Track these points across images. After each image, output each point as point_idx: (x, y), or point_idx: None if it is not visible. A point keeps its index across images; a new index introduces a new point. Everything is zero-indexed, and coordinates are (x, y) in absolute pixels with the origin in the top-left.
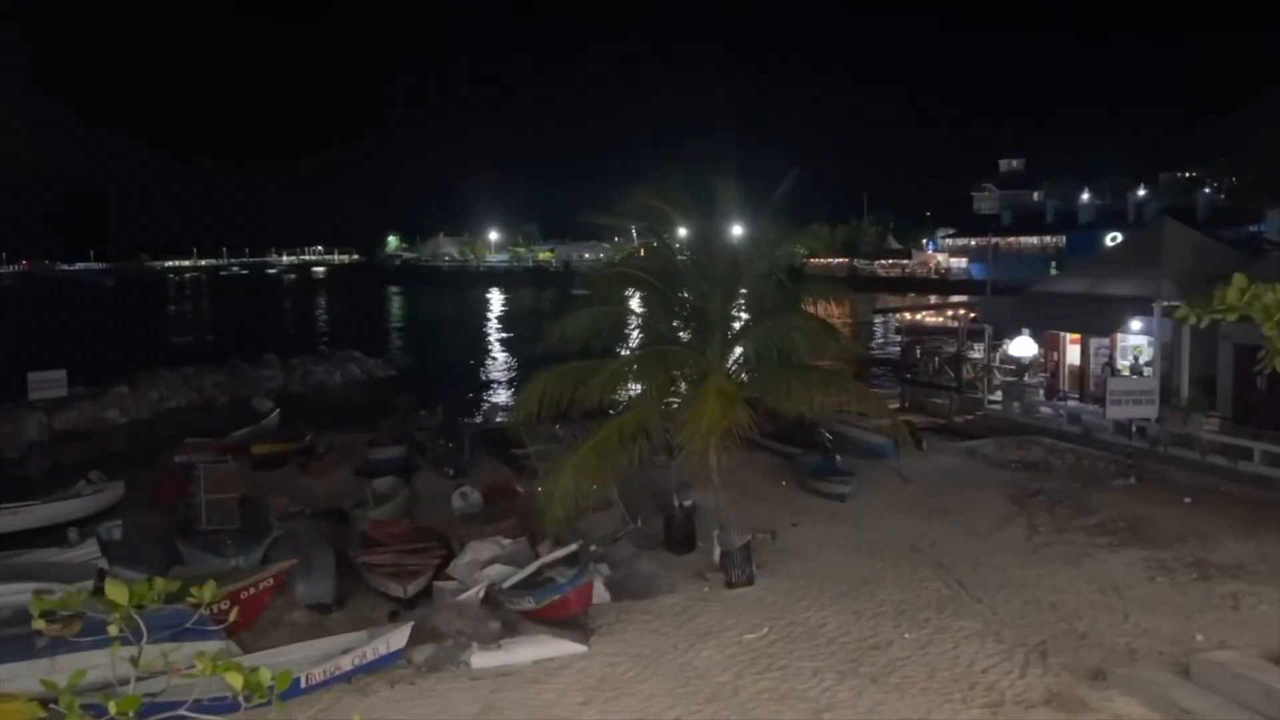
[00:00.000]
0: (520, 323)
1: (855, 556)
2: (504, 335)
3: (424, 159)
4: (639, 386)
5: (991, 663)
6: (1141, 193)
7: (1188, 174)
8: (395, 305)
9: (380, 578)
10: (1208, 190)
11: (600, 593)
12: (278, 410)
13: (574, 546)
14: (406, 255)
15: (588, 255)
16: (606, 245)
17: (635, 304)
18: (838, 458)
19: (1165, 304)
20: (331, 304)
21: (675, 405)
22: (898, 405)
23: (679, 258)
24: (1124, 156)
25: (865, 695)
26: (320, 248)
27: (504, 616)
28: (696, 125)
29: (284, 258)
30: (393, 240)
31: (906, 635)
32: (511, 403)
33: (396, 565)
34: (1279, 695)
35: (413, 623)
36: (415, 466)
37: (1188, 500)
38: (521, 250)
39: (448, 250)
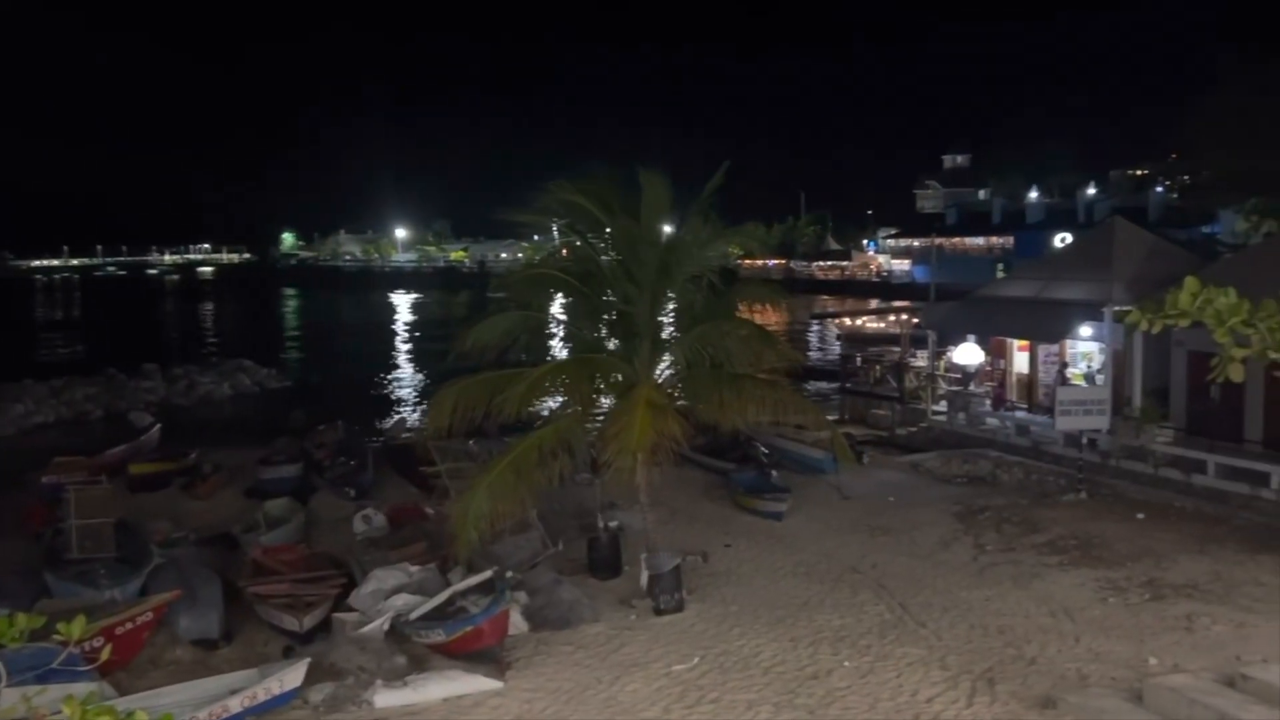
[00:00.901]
0: (430, 328)
1: (792, 579)
2: (412, 342)
3: (323, 149)
4: (560, 398)
5: (936, 692)
6: (1092, 191)
7: (1139, 172)
8: (291, 309)
9: (273, 610)
10: (1160, 189)
11: (517, 623)
12: (158, 425)
13: (489, 573)
14: (304, 254)
15: (505, 255)
16: (525, 244)
17: (557, 308)
18: (774, 473)
19: (1116, 309)
20: (220, 308)
21: (600, 418)
22: (837, 417)
23: (603, 258)
24: (1074, 153)
25: None
26: (207, 246)
27: (411, 650)
28: (623, 120)
29: (166, 257)
30: (288, 238)
31: (846, 663)
32: (420, 417)
33: (291, 596)
34: None
35: (309, 659)
36: (312, 487)
37: (1140, 516)
38: (432, 249)
39: (349, 249)
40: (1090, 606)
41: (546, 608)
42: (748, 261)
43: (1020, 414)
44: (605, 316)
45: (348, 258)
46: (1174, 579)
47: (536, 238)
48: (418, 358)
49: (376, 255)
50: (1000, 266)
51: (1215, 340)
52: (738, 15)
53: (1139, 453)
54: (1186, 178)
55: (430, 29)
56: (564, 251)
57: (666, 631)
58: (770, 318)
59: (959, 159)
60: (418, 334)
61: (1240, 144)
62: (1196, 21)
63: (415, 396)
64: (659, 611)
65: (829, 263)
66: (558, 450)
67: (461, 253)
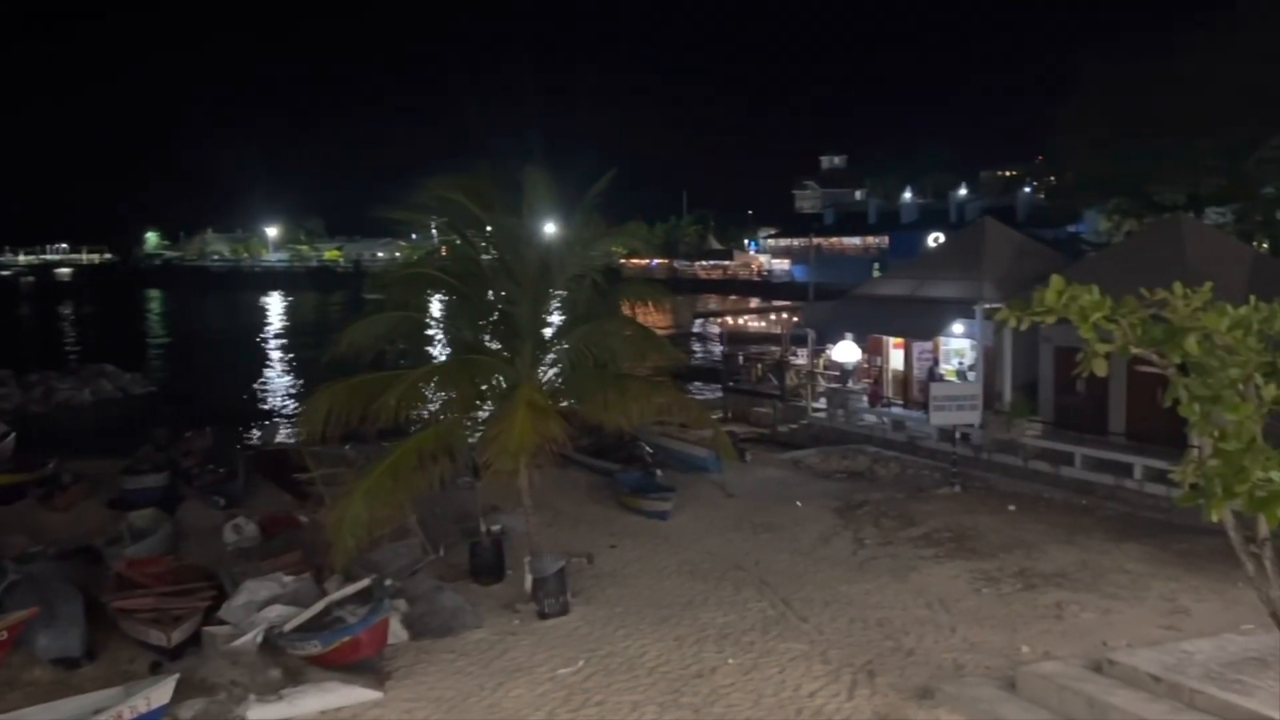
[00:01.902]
0: (303, 330)
1: (677, 578)
2: (284, 344)
3: (189, 145)
4: (441, 400)
5: (818, 685)
6: (963, 192)
7: (1008, 173)
8: (156, 311)
9: (139, 625)
10: (1028, 190)
11: (397, 631)
12: (13, 434)
13: (366, 581)
14: (169, 254)
15: (381, 254)
16: (403, 243)
17: (436, 308)
18: (658, 473)
19: (987, 306)
20: (79, 310)
21: (481, 420)
22: (720, 415)
23: (484, 257)
24: (946, 155)
25: None
26: (65, 245)
27: (286, 663)
28: (504, 118)
29: (20, 257)
30: (152, 237)
31: (731, 660)
32: (293, 422)
33: (158, 610)
34: (1102, 705)
35: (178, 675)
36: (180, 496)
37: (1012, 508)
38: (304, 248)
39: (217, 248)
40: (965, 597)
41: (427, 615)
42: (631, 261)
43: (896, 410)
44: (486, 317)
45: (215, 257)
46: (1044, 568)
47: (414, 236)
48: (290, 361)
49: (246, 255)
50: (876, 266)
51: (1080, 336)
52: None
53: (1010, 446)
54: (1052, 179)
55: (301, 18)
56: (443, 250)
57: (551, 635)
58: (654, 317)
59: (836, 160)
60: (290, 336)
61: (1101, 147)
62: (1062, 27)
63: (288, 401)
64: (543, 615)
65: (711, 262)
66: (438, 454)
67: (335, 252)
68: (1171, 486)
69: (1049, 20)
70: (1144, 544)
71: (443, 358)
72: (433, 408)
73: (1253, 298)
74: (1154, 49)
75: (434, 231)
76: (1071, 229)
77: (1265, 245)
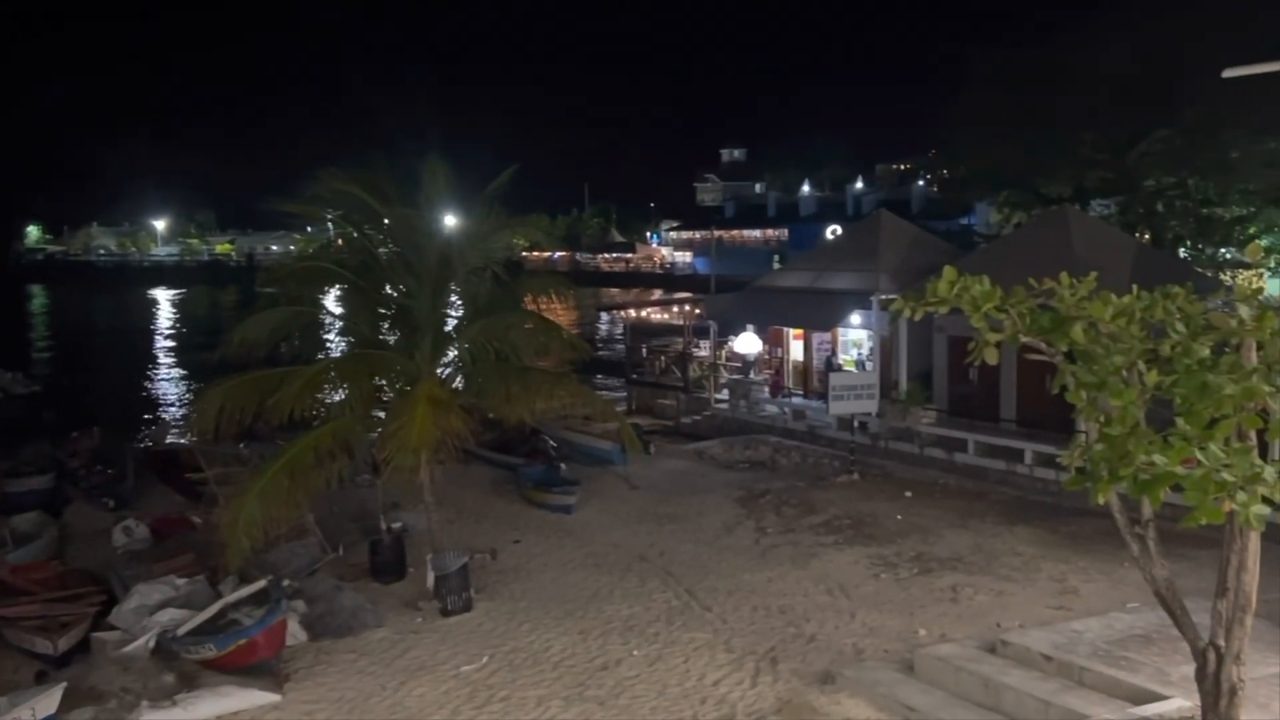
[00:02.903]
0: (195, 325)
1: (582, 572)
2: (175, 341)
3: (72, 135)
4: (338, 396)
5: (722, 674)
6: (860, 185)
7: (903, 166)
8: (39, 308)
9: (23, 633)
10: (921, 183)
11: (295, 632)
12: None
13: (263, 582)
14: (51, 249)
15: (275, 247)
16: (297, 236)
17: (332, 303)
18: (562, 466)
19: (883, 297)
20: None
21: (381, 416)
22: (624, 408)
23: (381, 250)
24: (843, 148)
25: None
26: None
27: (180, 668)
28: (403, 111)
29: None
30: (33, 231)
31: (635, 652)
32: (185, 420)
33: (44, 617)
34: (996, 685)
35: (65, 683)
36: (66, 499)
37: (908, 494)
38: (195, 242)
39: (103, 242)
40: (864, 583)
41: (327, 615)
42: (533, 253)
43: (797, 400)
44: (384, 311)
45: (101, 252)
46: (940, 553)
47: (310, 229)
48: (181, 357)
49: (134, 249)
50: (776, 258)
51: (972, 325)
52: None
53: (906, 434)
54: (945, 172)
55: (192, 7)
56: (339, 243)
57: (454, 632)
58: (557, 310)
59: (736, 153)
60: (181, 332)
61: (990, 141)
62: (955, 22)
63: (179, 399)
64: (446, 612)
65: (614, 254)
66: (335, 451)
67: (227, 245)
68: (1060, 471)
69: (943, 15)
70: (1035, 527)
71: (340, 353)
72: (330, 404)
73: (1135, 287)
74: (1041, 44)
75: (330, 225)
76: (964, 221)
77: (1147, 236)
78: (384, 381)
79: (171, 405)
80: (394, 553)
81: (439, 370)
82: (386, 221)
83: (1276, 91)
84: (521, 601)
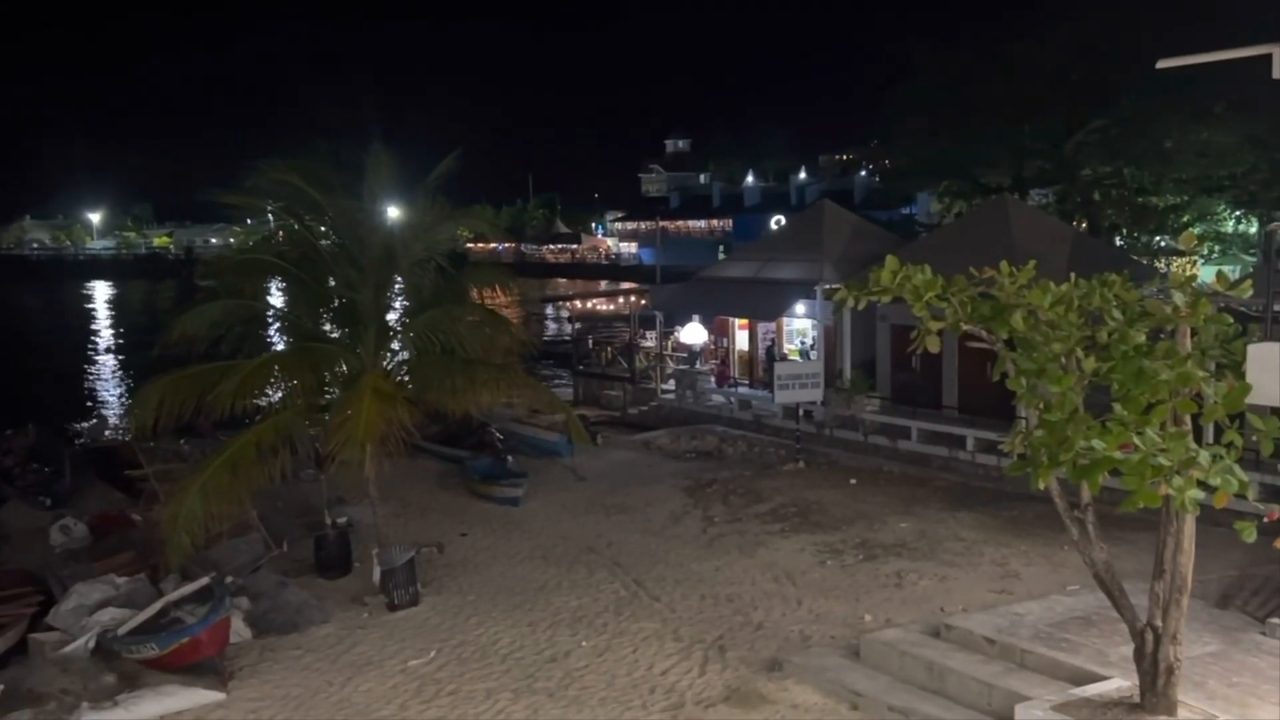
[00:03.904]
0: (133, 320)
1: (530, 564)
2: (112, 335)
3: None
4: (281, 391)
5: (671, 663)
6: (803, 176)
7: (845, 156)
8: None
9: None
10: (864, 173)
11: (240, 630)
12: None
13: (205, 580)
14: None
15: (215, 240)
16: (237, 228)
17: (274, 296)
18: (509, 459)
19: (826, 287)
20: None
21: (325, 410)
22: (571, 399)
23: (324, 242)
24: (786, 138)
25: (542, 712)
26: None
27: (121, 668)
28: (346, 102)
29: None
30: None
31: (584, 643)
32: (124, 416)
33: None
34: (940, 668)
35: (2, 686)
36: (1, 498)
37: (853, 481)
38: (132, 235)
39: (36, 236)
40: (810, 570)
41: (271, 612)
42: (477, 245)
43: (743, 390)
44: (327, 304)
45: (35, 246)
46: (884, 539)
47: (250, 221)
48: (120, 352)
49: (69, 242)
50: (721, 248)
51: (914, 314)
52: None
53: (851, 422)
54: (886, 162)
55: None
56: (280, 235)
57: (401, 627)
58: (502, 301)
59: (680, 144)
60: (119, 327)
61: (931, 131)
62: (896, 13)
63: (118, 395)
64: (393, 607)
65: (559, 245)
66: (278, 446)
67: (166, 238)
68: (1001, 457)
69: (884, 6)
70: (977, 512)
71: (282, 347)
72: (272, 398)
73: (1073, 275)
74: (980, 35)
75: (270, 217)
76: (905, 211)
77: (1084, 225)
78: (327, 375)
79: (109, 401)
80: (339, 548)
81: (383, 363)
82: (329, 212)
83: (1209, 82)
84: (469, 595)
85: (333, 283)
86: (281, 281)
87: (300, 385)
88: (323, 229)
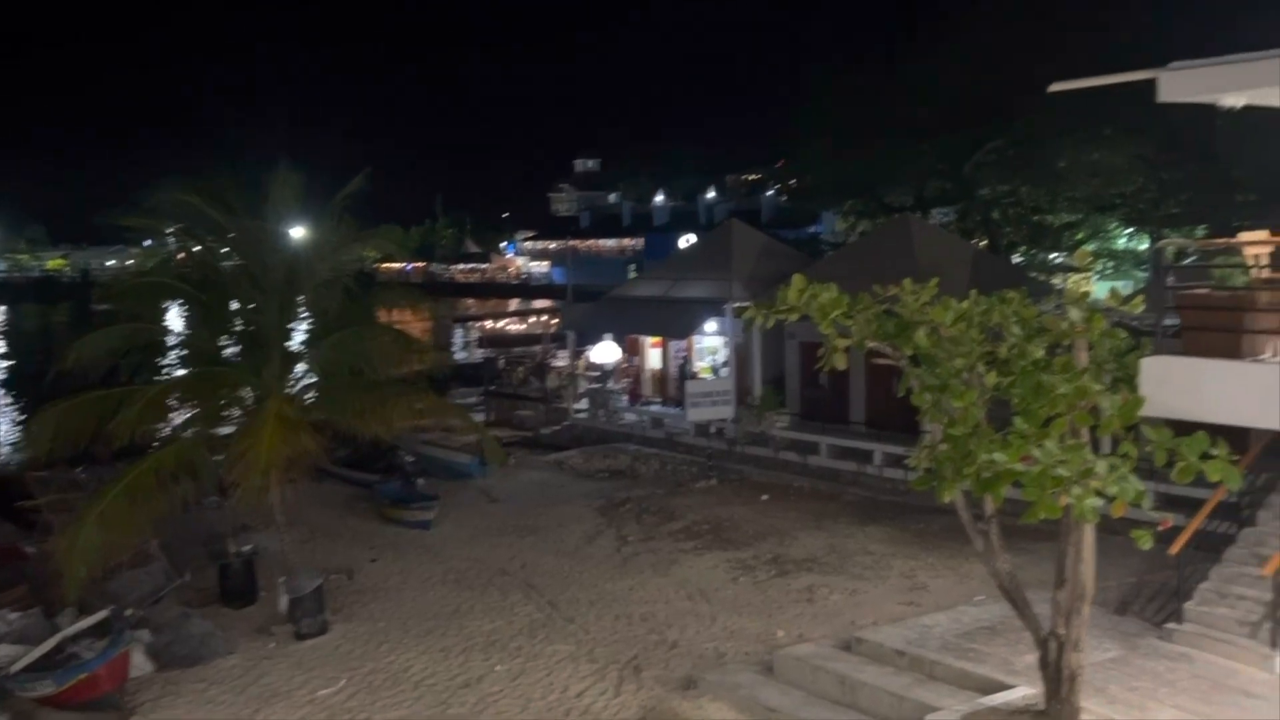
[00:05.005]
0: (25, 344)
1: (442, 588)
2: (3, 361)
3: None
4: (182, 416)
5: (586, 685)
6: (711, 195)
7: (753, 176)
8: None
9: None
10: (770, 193)
11: (140, 664)
12: None
13: (104, 613)
14: None
15: (113, 262)
16: (135, 251)
17: (174, 319)
18: (420, 481)
19: (736, 305)
20: None
21: (227, 436)
22: (483, 419)
23: (226, 264)
24: (695, 157)
25: None
26: None
27: (15, 706)
28: (248, 120)
29: None
30: None
31: (498, 667)
32: (15, 445)
33: None
34: (852, 682)
35: None
36: None
37: (765, 497)
38: (24, 257)
39: None
40: (724, 587)
41: (174, 644)
42: (386, 265)
43: (655, 408)
44: (229, 327)
45: None
46: (796, 554)
47: (148, 243)
48: (11, 379)
49: None
50: (632, 267)
51: (821, 332)
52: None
53: (761, 438)
54: (793, 182)
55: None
56: (180, 257)
57: (310, 656)
58: (412, 322)
59: (590, 163)
60: (10, 352)
61: (835, 151)
62: (801, 34)
63: (9, 423)
64: (301, 636)
65: (469, 265)
66: (179, 473)
67: (60, 261)
68: (908, 471)
69: (790, 29)
70: (885, 526)
71: (183, 371)
72: (173, 425)
73: (974, 292)
74: (881, 58)
75: (170, 238)
76: (811, 230)
77: (984, 242)
78: (230, 400)
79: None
80: (244, 576)
81: (289, 387)
82: (231, 233)
83: (1100, 106)
84: (380, 621)
85: (235, 305)
86: (182, 305)
87: (202, 411)
88: (225, 250)
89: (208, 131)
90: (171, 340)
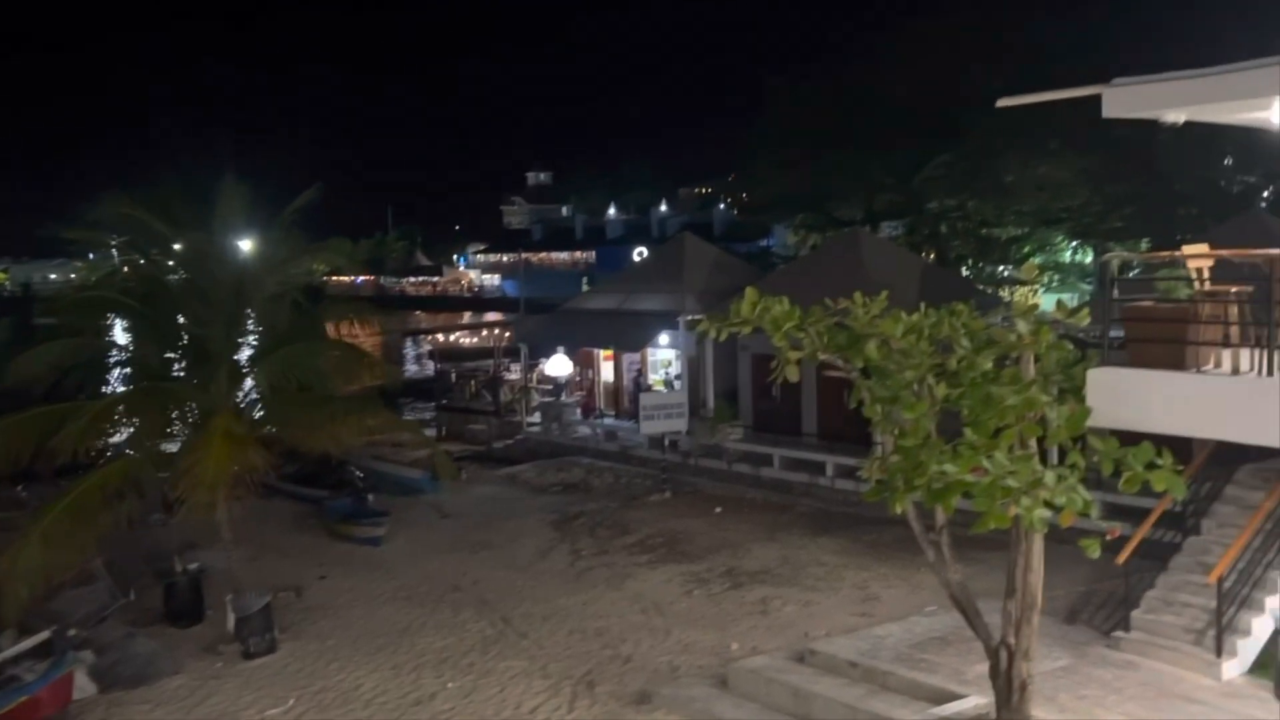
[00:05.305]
0: None
1: (393, 605)
2: None
3: None
4: (127, 433)
5: (539, 701)
6: (664, 208)
7: (705, 190)
8: None
9: None
10: (722, 206)
11: (84, 685)
12: None
13: (46, 634)
14: None
15: (55, 276)
16: (79, 264)
17: (119, 334)
18: (370, 497)
19: (689, 318)
20: None
21: (174, 452)
22: (435, 434)
23: (172, 277)
24: (647, 171)
25: None
26: None
27: None
28: (196, 132)
29: None
30: None
31: (450, 685)
32: None
33: None
34: (806, 693)
35: None
36: None
37: (718, 510)
38: None
39: None
40: (678, 600)
41: (119, 665)
42: (335, 278)
43: (609, 421)
44: (175, 341)
45: None
46: (749, 566)
47: (92, 256)
48: None
49: None
50: (585, 280)
51: (773, 344)
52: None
53: (715, 451)
54: (745, 195)
55: None
56: (125, 270)
57: (258, 675)
58: (361, 336)
59: (542, 176)
60: None
61: (786, 166)
62: (753, 50)
63: None
64: (249, 655)
65: (420, 278)
66: (124, 490)
67: (1, 274)
68: (860, 482)
69: (742, 42)
70: (838, 537)
71: (128, 387)
72: (117, 441)
73: (923, 305)
74: (831, 74)
75: (115, 251)
76: (763, 243)
77: (933, 256)
78: (176, 416)
79: None
80: (191, 595)
81: (237, 402)
82: (177, 246)
83: (1046, 120)
84: (329, 639)
85: (182, 320)
86: (127, 319)
87: (147, 427)
88: (171, 263)
89: (153, 143)
90: (116, 355)
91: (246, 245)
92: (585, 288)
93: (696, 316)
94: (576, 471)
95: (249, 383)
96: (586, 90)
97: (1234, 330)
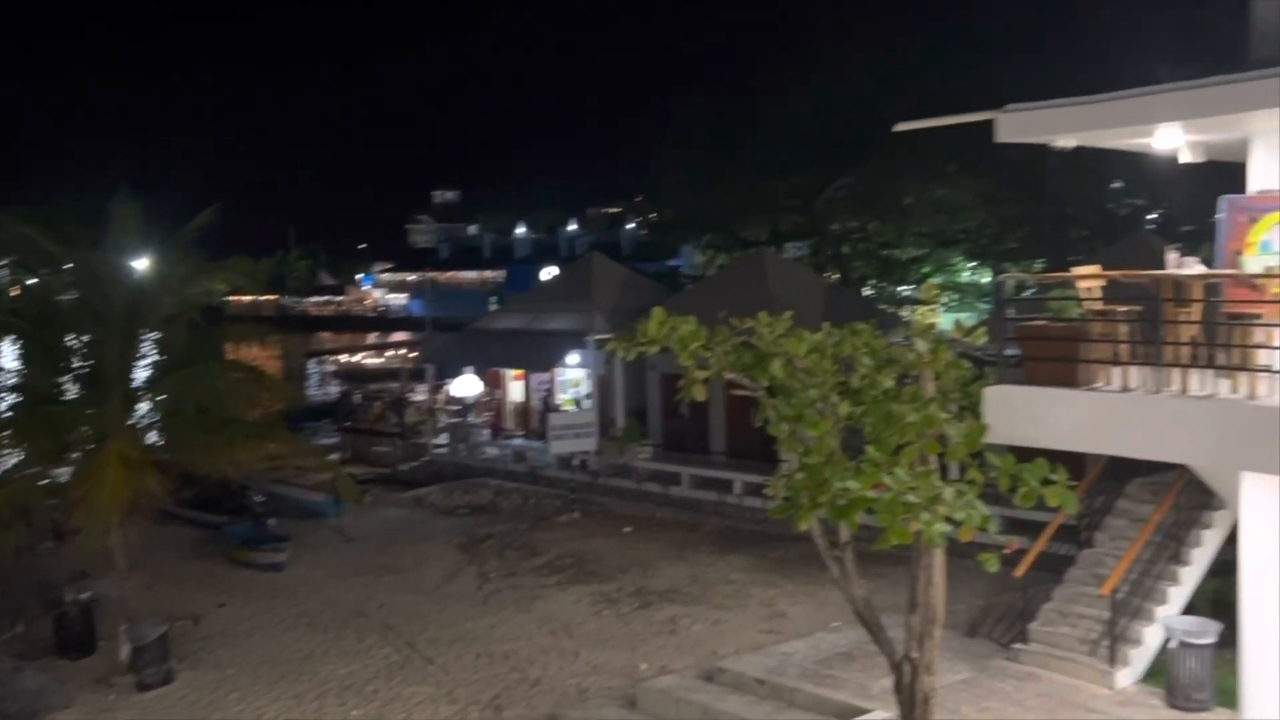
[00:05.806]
0: None
1: (294, 632)
2: None
3: None
4: (15, 458)
5: None
6: (573, 227)
7: (613, 210)
8: None
9: None
10: (631, 226)
11: None
12: None
13: None
14: None
15: None
16: None
17: (5, 356)
18: (271, 522)
19: (598, 337)
20: None
21: (64, 478)
22: (339, 457)
23: (62, 297)
24: (555, 190)
25: None
26: None
27: None
28: (91, 150)
29: None
30: None
31: (354, 713)
32: None
33: None
34: (714, 712)
35: None
36: None
37: (628, 529)
38: None
39: None
40: (587, 621)
41: (5, 700)
42: (236, 298)
43: (517, 441)
44: (65, 363)
45: None
46: (659, 585)
47: None
48: None
49: None
50: (493, 300)
51: (681, 363)
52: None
53: (624, 470)
54: (653, 216)
55: None
56: (13, 290)
57: (154, 707)
58: (264, 357)
59: (448, 195)
60: None
61: (692, 187)
62: (659, 73)
63: None
64: (144, 686)
65: (323, 298)
66: (11, 518)
67: None
68: (767, 500)
69: (648, 64)
70: (745, 554)
71: (14, 410)
72: (4, 467)
73: (827, 324)
74: (734, 97)
75: (3, 270)
76: (671, 263)
77: (836, 276)
78: (67, 440)
79: None
80: (82, 625)
81: (132, 425)
82: (69, 265)
83: (943, 145)
84: (228, 669)
85: (74, 341)
86: (16, 341)
87: (34, 452)
88: (63, 283)
89: (43, 160)
90: (3, 379)
91: (143, 264)
92: (493, 307)
93: (605, 336)
94: (484, 493)
95: (145, 406)
96: (494, 108)
97: (1123, 349)
